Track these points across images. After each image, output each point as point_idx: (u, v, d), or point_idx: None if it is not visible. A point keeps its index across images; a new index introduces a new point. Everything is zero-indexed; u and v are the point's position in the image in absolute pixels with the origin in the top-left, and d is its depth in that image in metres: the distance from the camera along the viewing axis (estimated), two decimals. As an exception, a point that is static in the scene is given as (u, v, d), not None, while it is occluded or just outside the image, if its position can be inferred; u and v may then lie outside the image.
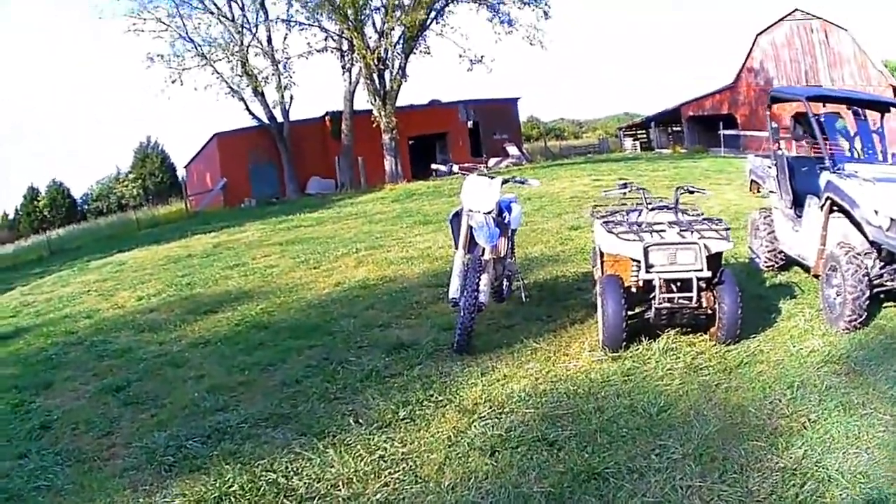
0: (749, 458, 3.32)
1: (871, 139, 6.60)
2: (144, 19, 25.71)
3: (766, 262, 6.91)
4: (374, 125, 24.44)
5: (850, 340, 4.84)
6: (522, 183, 5.81)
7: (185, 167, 35.97)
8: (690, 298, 4.74)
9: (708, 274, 4.74)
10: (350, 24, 23.02)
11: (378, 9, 24.00)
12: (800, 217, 6.21)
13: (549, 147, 43.23)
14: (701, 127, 40.36)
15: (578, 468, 3.28)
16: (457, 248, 5.78)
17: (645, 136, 46.92)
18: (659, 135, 44.20)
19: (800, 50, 35.35)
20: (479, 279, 4.99)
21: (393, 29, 23.65)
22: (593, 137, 58.11)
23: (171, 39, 26.51)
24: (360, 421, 3.96)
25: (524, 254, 8.53)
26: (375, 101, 24.13)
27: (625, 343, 4.83)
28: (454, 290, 5.22)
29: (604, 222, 5.23)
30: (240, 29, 26.33)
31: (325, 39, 25.20)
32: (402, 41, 24.09)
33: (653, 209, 5.32)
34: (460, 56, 25.32)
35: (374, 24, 24.26)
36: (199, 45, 26.43)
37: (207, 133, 30.19)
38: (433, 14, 24.24)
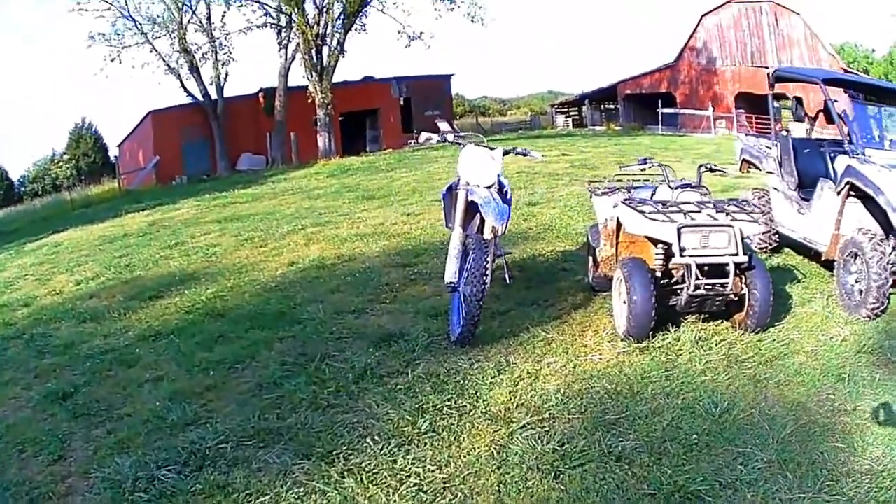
0: (834, 462, 3.14)
1: (870, 125, 6.49)
2: (89, -1, 25.75)
3: (759, 243, 6.79)
4: (309, 101, 24.87)
5: (876, 329, 4.82)
6: (525, 154, 5.31)
7: (118, 146, 36.11)
8: (726, 285, 4.54)
9: (744, 259, 4.56)
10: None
11: None
12: (806, 200, 6.16)
13: (481, 123, 43.53)
14: (637, 105, 41.33)
15: (666, 488, 2.86)
16: (448, 225, 5.28)
17: (577, 113, 47.77)
18: (592, 112, 45.05)
19: (747, 31, 36.56)
20: (487, 261, 4.47)
21: (333, 4, 24.30)
22: (518, 115, 59.70)
23: (114, 18, 27.25)
24: (375, 437, 3.36)
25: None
26: (312, 76, 24.56)
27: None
28: (451, 273, 4.69)
29: (627, 201, 4.90)
30: (180, 6, 27.13)
31: (265, 15, 25.96)
32: (342, 17, 24.63)
33: (677, 187, 4.98)
34: (399, 32, 26.17)
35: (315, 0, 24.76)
36: (140, 24, 27.29)
37: (143, 113, 30.91)
38: None
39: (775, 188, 6.72)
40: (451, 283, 4.70)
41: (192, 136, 29.07)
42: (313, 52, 24.44)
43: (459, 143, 5.12)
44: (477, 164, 4.89)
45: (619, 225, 5.13)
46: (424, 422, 3.49)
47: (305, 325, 5.25)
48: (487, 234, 4.83)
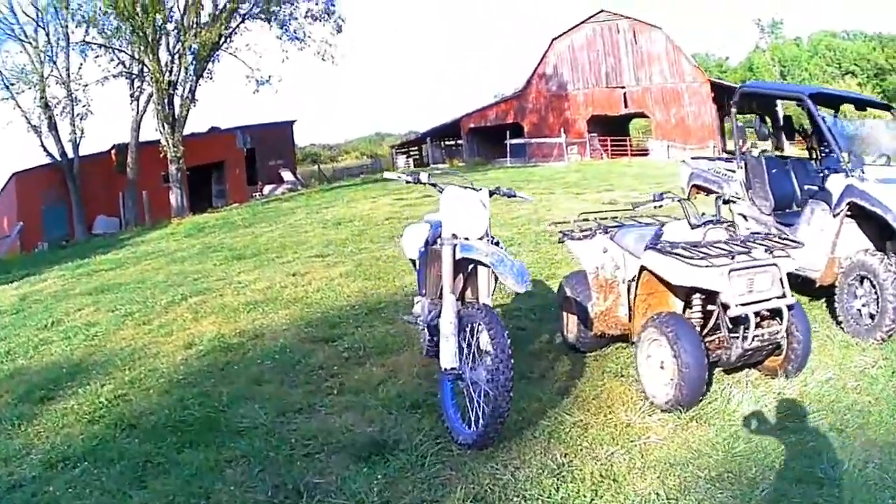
0: None
1: (853, 140, 6.74)
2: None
3: None
4: (161, 155, 24.70)
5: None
6: (511, 196, 4.60)
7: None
8: (779, 332, 4.28)
9: (793, 300, 4.30)
10: (146, 45, 23.73)
11: (173, 30, 24.88)
12: (787, 224, 6.11)
13: (322, 171, 44.14)
14: (482, 139, 42.54)
15: None
16: (422, 292, 4.51)
17: (417, 152, 48.46)
18: (433, 150, 45.81)
19: (601, 51, 38.81)
20: (507, 336, 3.71)
21: (187, 50, 24.56)
22: (350, 160, 62.15)
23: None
24: None
25: (398, 287, 7.81)
26: (164, 128, 24.49)
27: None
28: (450, 357, 3.86)
29: (656, 245, 4.43)
30: (42, 59, 27.18)
31: (119, 64, 26.10)
32: (194, 63, 24.86)
33: (700, 225, 4.58)
34: (248, 77, 26.71)
35: (168, 45, 24.96)
36: (6, 78, 27.12)
37: (6, 175, 30.56)
38: (227, 32, 25.46)
39: (742, 214, 6.53)
40: (451, 369, 3.87)
41: (51, 200, 28.99)
42: (166, 101, 24.45)
43: (434, 185, 4.33)
44: (464, 211, 4.13)
45: (639, 274, 4.59)
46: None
47: (250, 437, 4.11)
48: (488, 299, 4.08)
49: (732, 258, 4.11)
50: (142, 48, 23.94)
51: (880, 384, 4.37)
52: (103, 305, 8.59)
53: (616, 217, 5.65)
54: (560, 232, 5.58)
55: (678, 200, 4.81)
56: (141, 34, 23.56)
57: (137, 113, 26.55)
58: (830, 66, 62.30)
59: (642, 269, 4.54)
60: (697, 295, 4.36)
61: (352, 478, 3.54)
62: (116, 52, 25.83)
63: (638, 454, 3.64)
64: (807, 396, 4.26)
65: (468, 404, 3.85)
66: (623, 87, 38.86)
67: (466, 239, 4.07)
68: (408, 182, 4.38)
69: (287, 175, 34.87)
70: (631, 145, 40.86)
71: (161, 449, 4.06)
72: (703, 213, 4.68)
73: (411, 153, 49.03)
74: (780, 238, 4.55)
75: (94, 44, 25.87)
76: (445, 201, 4.17)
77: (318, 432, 4.15)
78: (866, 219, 5.47)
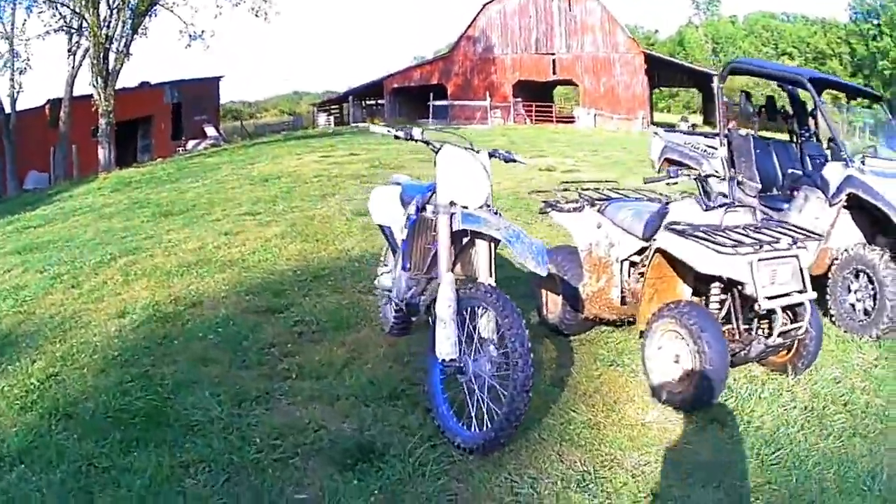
0: None
1: (807, 120, 6.73)
2: None
3: None
4: (93, 109, 24.79)
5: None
6: (511, 160, 4.01)
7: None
8: (801, 328, 4.02)
9: (814, 294, 4.07)
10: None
11: None
12: (774, 209, 5.93)
13: (245, 126, 43.30)
14: (405, 99, 41.90)
15: None
16: (405, 266, 3.95)
17: (338, 111, 47.69)
18: (354, 109, 45.35)
19: (534, 18, 38.36)
20: (522, 323, 3.18)
21: (126, 4, 24.67)
22: (268, 117, 62.43)
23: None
24: None
25: (340, 251, 7.31)
26: (98, 82, 24.54)
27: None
28: (449, 347, 3.30)
29: (674, 226, 4.01)
30: None
31: (61, 18, 25.89)
32: (132, 17, 24.98)
33: (716, 207, 4.21)
34: (181, 32, 26.76)
35: (108, 0, 24.94)
36: None
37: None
38: None
39: (721, 194, 6.23)
40: (450, 360, 3.33)
41: (-15, 155, 28.26)
42: (101, 56, 24.40)
43: (427, 143, 3.70)
44: (463, 176, 3.56)
45: (653, 256, 4.15)
46: None
47: (206, 435, 3.43)
48: (490, 279, 3.54)
49: (760, 247, 3.76)
50: (83, 2, 24.07)
51: (888, 386, 4.23)
52: (31, 266, 7.90)
53: (598, 188, 5.24)
54: (544, 202, 5.09)
55: (695, 178, 4.38)
56: None
57: (73, 68, 26.31)
58: (766, 47, 64.28)
59: (657, 251, 4.10)
60: (716, 284, 3.99)
61: (341, 491, 2.94)
62: (59, 6, 25.70)
63: (668, 461, 3.25)
64: (820, 397, 4.03)
65: (468, 401, 3.32)
66: (553, 54, 38.86)
67: (465, 207, 3.50)
68: (397, 137, 3.73)
69: (210, 130, 34.42)
70: (556, 112, 40.95)
71: (104, 449, 3.33)
72: (719, 194, 4.28)
73: (332, 111, 48.35)
74: (798, 228, 4.26)
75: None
76: (443, 163, 3.56)
77: (285, 429, 3.53)
78: (859, 210, 5.38)
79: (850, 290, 5.19)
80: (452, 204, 3.49)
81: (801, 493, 3.06)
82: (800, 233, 4.10)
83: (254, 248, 7.49)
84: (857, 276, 5.16)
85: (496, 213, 3.59)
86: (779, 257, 3.85)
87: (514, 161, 3.98)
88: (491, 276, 3.54)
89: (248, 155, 18.60)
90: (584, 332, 4.92)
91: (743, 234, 3.87)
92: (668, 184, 4.37)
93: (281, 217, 9.09)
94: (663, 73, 42.88)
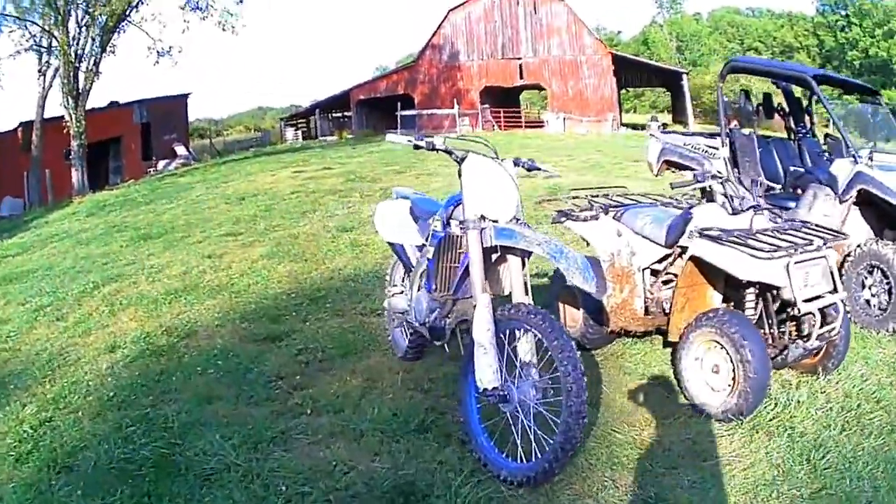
0: None
1: (803, 117, 6.72)
2: None
3: None
4: (64, 131, 24.43)
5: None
6: (536, 169, 3.81)
7: None
8: (834, 330, 3.91)
9: (845, 294, 4.07)
10: (57, 17, 23.70)
11: (82, 2, 24.61)
12: (784, 208, 5.91)
13: (214, 144, 43.61)
14: (371, 110, 41.76)
15: None
16: (430, 288, 3.71)
17: (305, 124, 47.73)
18: (321, 122, 45.22)
19: (499, 23, 38.33)
20: (573, 345, 3.00)
21: (94, 21, 24.45)
22: (235, 133, 62.87)
23: None
24: None
25: (332, 270, 7.10)
26: (69, 102, 24.33)
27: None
28: (491, 375, 3.09)
29: (707, 233, 3.88)
30: None
31: (31, 38, 25.40)
32: (100, 34, 24.80)
33: (745, 210, 4.11)
34: (149, 48, 26.50)
35: (77, 18, 24.68)
36: None
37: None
38: (135, 2, 25.44)
39: (725, 195, 6.16)
40: (493, 388, 3.12)
41: (-38, 182, 28.13)
42: (71, 74, 24.22)
43: (450, 153, 3.48)
44: (491, 188, 3.36)
45: (686, 264, 4.01)
46: None
47: (225, 485, 3.17)
48: (527, 297, 3.35)
49: (796, 250, 3.65)
50: (52, 20, 23.89)
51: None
52: (13, 297, 7.71)
53: (607, 195, 5.10)
54: (557, 211, 4.92)
55: (723, 182, 4.24)
56: (53, 6, 23.69)
57: (44, 88, 26.00)
58: (732, 42, 65.02)
59: (690, 258, 3.95)
60: (751, 290, 3.89)
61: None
62: (29, 24, 25.29)
63: (725, 477, 3.12)
64: (852, 396, 3.94)
65: (513, 430, 3.12)
66: (519, 59, 38.90)
67: (495, 221, 3.31)
68: (417, 147, 3.50)
69: (180, 149, 33.60)
70: (524, 117, 41.01)
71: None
72: (744, 197, 4.16)
73: (299, 125, 48.17)
74: (825, 228, 4.19)
75: (10, 16, 25.47)
76: (469, 173, 3.36)
77: (311, 473, 3.29)
78: (867, 206, 5.40)
79: (864, 286, 5.17)
80: (482, 218, 3.30)
81: (856, 495, 2.99)
82: (828, 233, 4.02)
83: (241, 270, 7.29)
84: (871, 272, 5.15)
85: (527, 227, 3.40)
86: (811, 259, 3.75)
87: (539, 170, 3.79)
88: (527, 294, 3.35)
89: (221, 173, 18.38)
90: (606, 346, 4.77)
91: (776, 238, 3.77)
92: (695, 188, 4.23)
93: (264, 236, 8.90)
94: (630, 73, 43.22)
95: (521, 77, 39.30)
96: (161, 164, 31.06)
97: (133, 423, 3.92)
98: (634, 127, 38.60)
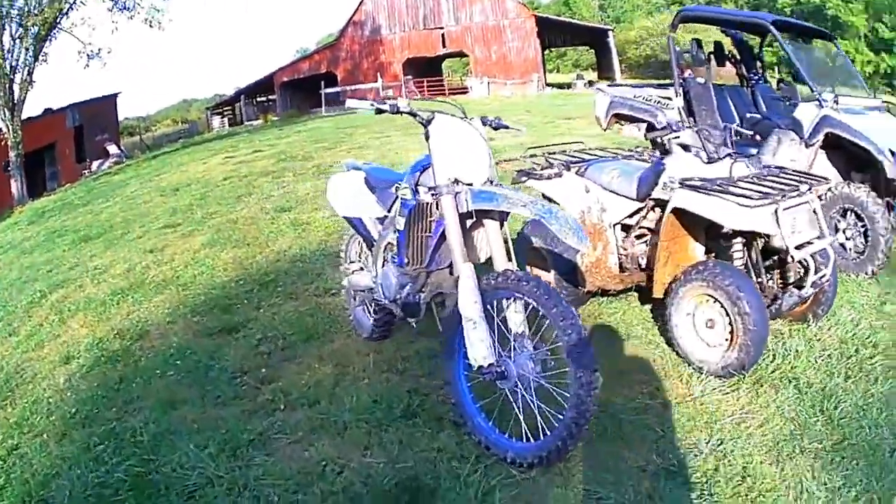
0: None
1: (755, 64, 6.71)
2: None
3: None
4: (1, 143, 24.01)
5: (891, 283, 4.89)
6: (502, 127, 3.53)
7: None
8: (825, 276, 3.84)
9: (834, 238, 4.10)
10: None
11: (15, 15, 24.24)
12: (746, 155, 5.76)
13: (144, 140, 42.72)
14: (295, 91, 41.19)
15: None
16: (401, 261, 3.41)
17: (231, 111, 47.22)
18: (246, 108, 44.79)
19: None
20: (574, 311, 2.75)
21: (27, 32, 24.02)
22: (162, 128, 62.05)
23: None
24: None
25: (277, 253, 6.78)
26: (5, 114, 24.06)
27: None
28: (485, 350, 2.82)
29: (690, 182, 3.69)
30: None
31: None
32: (33, 44, 24.36)
33: (720, 158, 3.95)
34: (80, 52, 25.99)
35: (10, 31, 24.28)
36: None
37: None
38: (66, 9, 24.98)
39: (683, 145, 6.04)
40: (488, 366, 2.86)
41: None
42: (7, 86, 23.84)
43: (414, 115, 3.14)
44: (462, 149, 3.07)
45: (667, 217, 3.80)
46: None
47: (208, 499, 2.84)
48: (511, 263, 3.08)
49: (784, 196, 3.49)
50: None
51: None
52: None
53: (565, 151, 4.89)
54: (518, 171, 4.66)
55: (697, 131, 4.09)
56: None
57: None
58: None
59: (672, 210, 3.75)
60: (737, 239, 3.73)
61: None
62: None
63: (744, 436, 2.96)
64: (848, 342, 3.87)
65: (514, 407, 2.88)
66: (441, 28, 38.56)
67: (469, 185, 3.03)
68: (380, 111, 3.15)
69: (112, 148, 32.66)
70: (447, 85, 40.74)
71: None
72: (721, 145, 4.02)
73: (225, 113, 47.45)
74: (804, 173, 4.12)
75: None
76: (437, 135, 3.06)
77: (301, 476, 2.96)
78: (834, 150, 5.36)
79: (836, 230, 5.12)
80: (456, 182, 3.01)
81: (878, 443, 2.89)
82: (810, 177, 3.92)
83: (184, 262, 6.91)
84: (843, 215, 5.10)
85: (506, 188, 3.13)
86: (797, 205, 3.61)
87: (507, 128, 3.51)
88: (511, 260, 3.09)
89: (153, 167, 17.78)
90: (580, 308, 4.55)
91: (760, 184, 3.60)
92: (670, 138, 4.03)
93: (202, 225, 8.50)
94: (554, 34, 43.32)
95: (444, 46, 39.01)
96: (95, 164, 30.37)
97: (101, 441, 3.53)
98: (560, 86, 38.62)
